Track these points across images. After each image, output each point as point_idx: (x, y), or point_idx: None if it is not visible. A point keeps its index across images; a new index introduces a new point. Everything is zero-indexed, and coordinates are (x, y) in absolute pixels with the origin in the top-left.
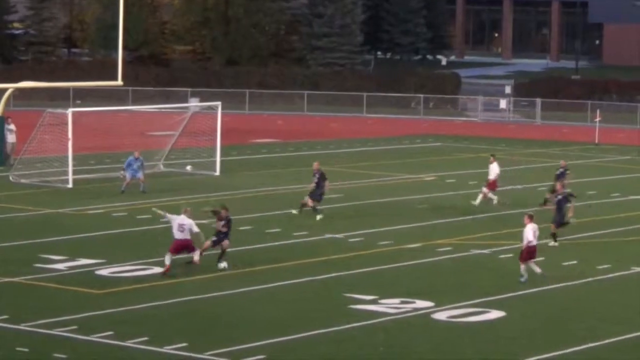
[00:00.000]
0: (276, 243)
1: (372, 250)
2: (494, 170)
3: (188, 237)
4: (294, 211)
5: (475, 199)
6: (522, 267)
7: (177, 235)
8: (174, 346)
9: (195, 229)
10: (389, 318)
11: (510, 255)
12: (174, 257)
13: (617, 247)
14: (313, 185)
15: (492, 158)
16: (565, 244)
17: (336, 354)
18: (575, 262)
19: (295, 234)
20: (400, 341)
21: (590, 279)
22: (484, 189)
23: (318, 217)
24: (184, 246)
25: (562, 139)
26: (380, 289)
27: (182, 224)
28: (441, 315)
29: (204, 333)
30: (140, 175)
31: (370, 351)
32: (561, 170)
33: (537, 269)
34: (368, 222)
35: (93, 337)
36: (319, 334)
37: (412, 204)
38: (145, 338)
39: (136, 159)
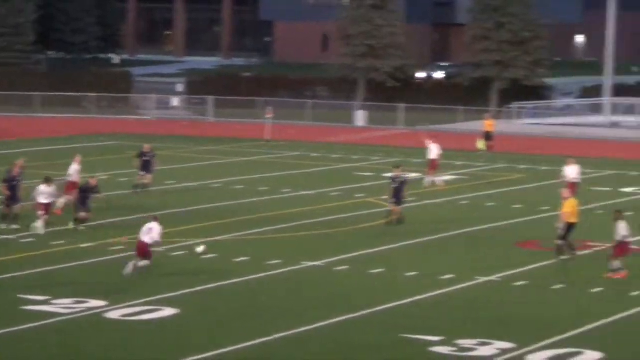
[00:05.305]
0: None
1: (45, 250)
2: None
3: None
4: None
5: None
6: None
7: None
8: None
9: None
10: (61, 318)
11: (184, 252)
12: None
13: (287, 243)
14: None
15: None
16: (237, 240)
17: (9, 356)
18: (246, 258)
19: None
20: (72, 341)
21: (262, 275)
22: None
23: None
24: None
25: (235, 135)
26: (54, 290)
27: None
28: (114, 315)
29: None
30: None
31: (42, 352)
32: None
33: None
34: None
35: None
36: None
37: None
38: None
39: None
